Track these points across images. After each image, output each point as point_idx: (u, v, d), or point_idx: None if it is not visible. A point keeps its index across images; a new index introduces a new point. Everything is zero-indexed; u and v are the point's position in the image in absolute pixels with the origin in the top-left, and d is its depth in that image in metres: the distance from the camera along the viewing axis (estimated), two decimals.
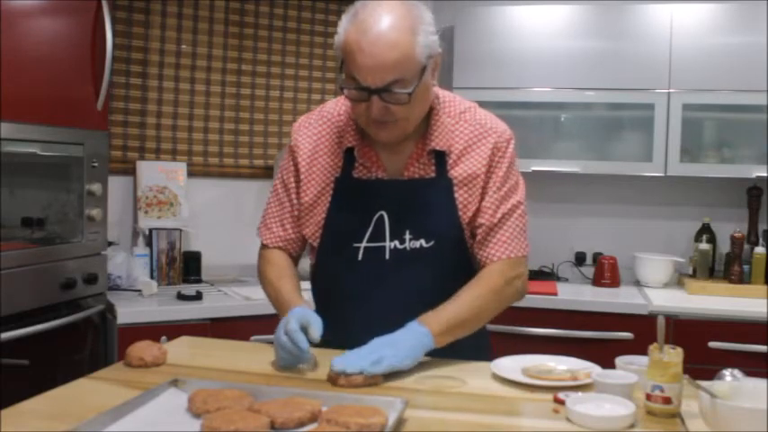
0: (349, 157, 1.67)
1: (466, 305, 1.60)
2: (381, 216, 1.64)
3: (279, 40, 3.49)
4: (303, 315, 1.52)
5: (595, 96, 3.31)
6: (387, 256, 1.64)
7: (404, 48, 1.47)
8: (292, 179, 1.73)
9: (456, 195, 1.65)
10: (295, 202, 1.73)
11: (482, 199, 1.66)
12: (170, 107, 3.30)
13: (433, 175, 1.65)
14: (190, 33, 3.31)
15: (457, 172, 1.65)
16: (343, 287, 1.67)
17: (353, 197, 1.66)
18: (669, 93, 3.19)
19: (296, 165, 1.72)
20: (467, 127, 1.67)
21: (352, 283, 1.66)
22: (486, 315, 1.66)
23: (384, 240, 1.64)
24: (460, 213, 1.65)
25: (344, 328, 1.61)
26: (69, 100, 2.47)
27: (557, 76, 3.28)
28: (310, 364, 1.53)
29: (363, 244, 1.65)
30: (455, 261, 1.68)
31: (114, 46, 2.55)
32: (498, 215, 1.66)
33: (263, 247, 1.79)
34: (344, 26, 1.51)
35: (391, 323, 1.55)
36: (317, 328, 1.50)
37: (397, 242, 1.64)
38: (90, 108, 2.52)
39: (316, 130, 1.72)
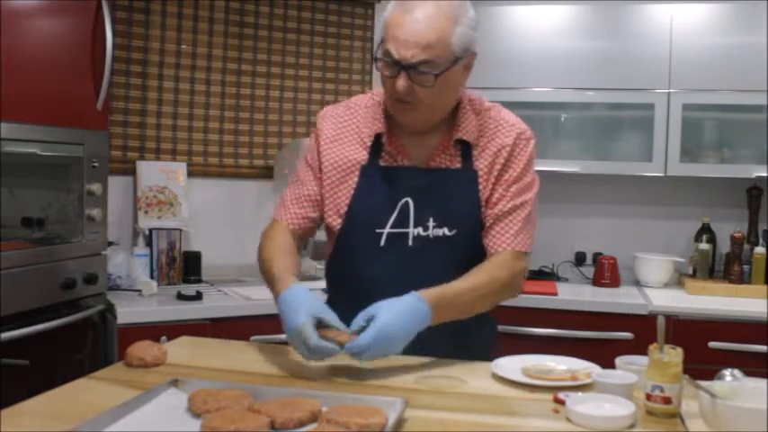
0: (376, 145, 1.70)
1: (467, 289, 1.60)
2: (407, 202, 1.67)
3: (279, 40, 3.49)
4: (313, 312, 1.47)
5: (595, 96, 3.31)
6: (410, 243, 1.66)
7: (441, 32, 1.54)
8: (316, 160, 1.75)
9: (480, 187, 1.69)
10: (314, 183, 1.75)
11: (495, 189, 1.69)
12: (170, 107, 3.30)
13: (458, 165, 1.69)
14: (190, 33, 3.31)
15: (481, 164, 1.70)
16: (364, 272, 1.67)
17: (379, 183, 1.68)
18: (669, 93, 3.20)
19: (318, 148, 1.75)
20: (491, 123, 1.73)
21: (374, 268, 1.66)
22: (484, 305, 1.67)
23: (408, 227, 1.67)
24: (482, 205, 1.69)
25: (355, 309, 1.59)
26: (69, 100, 2.47)
27: (557, 76, 3.28)
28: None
29: (387, 230, 1.66)
30: (474, 251, 1.70)
31: (114, 46, 2.55)
32: (509, 206, 1.69)
33: (272, 223, 1.79)
34: (391, 7, 1.59)
35: None
36: (330, 318, 1.48)
37: (420, 229, 1.67)
38: (90, 108, 2.53)
39: (341, 118, 1.76)
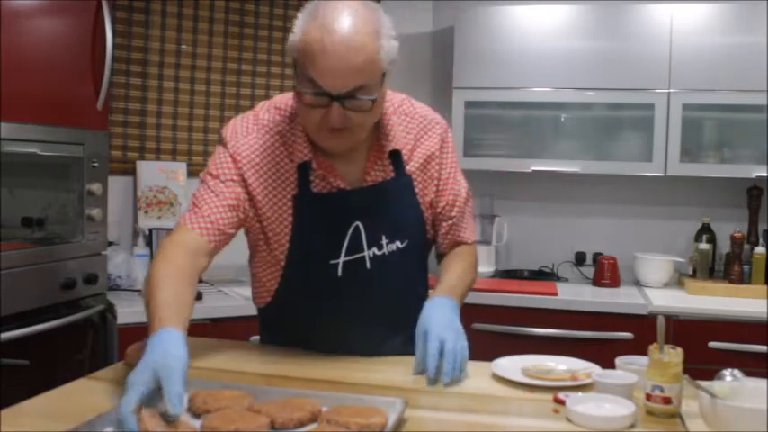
0: (303, 172, 1.56)
1: (462, 273, 1.68)
2: (357, 227, 1.59)
3: (279, 40, 3.49)
4: (161, 371, 1.16)
5: (595, 96, 3.31)
6: (368, 266, 1.61)
7: (369, 52, 1.38)
8: (235, 179, 1.56)
9: (416, 191, 1.65)
10: (232, 196, 1.55)
11: (443, 191, 1.68)
12: (170, 107, 3.30)
13: (392, 175, 1.62)
14: (190, 33, 3.31)
15: (413, 167, 1.64)
16: (322, 303, 1.63)
17: (320, 213, 1.58)
18: (669, 93, 3.19)
19: (241, 175, 1.56)
20: (410, 121, 1.66)
21: (332, 298, 1.62)
22: (470, 287, 1.73)
23: (363, 251, 1.60)
24: (422, 208, 1.67)
25: (319, 337, 1.66)
26: (69, 100, 2.47)
27: (557, 76, 3.28)
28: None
29: (342, 259, 1.59)
30: (421, 255, 1.72)
31: (114, 46, 2.55)
32: (463, 202, 1.72)
33: (179, 229, 1.53)
34: (302, 26, 1.40)
35: (369, 325, 1.64)
36: (175, 395, 1.13)
37: (375, 249, 1.61)
38: (90, 108, 2.52)
39: (259, 142, 1.58)
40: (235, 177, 1.56)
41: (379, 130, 1.59)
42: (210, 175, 1.57)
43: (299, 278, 1.62)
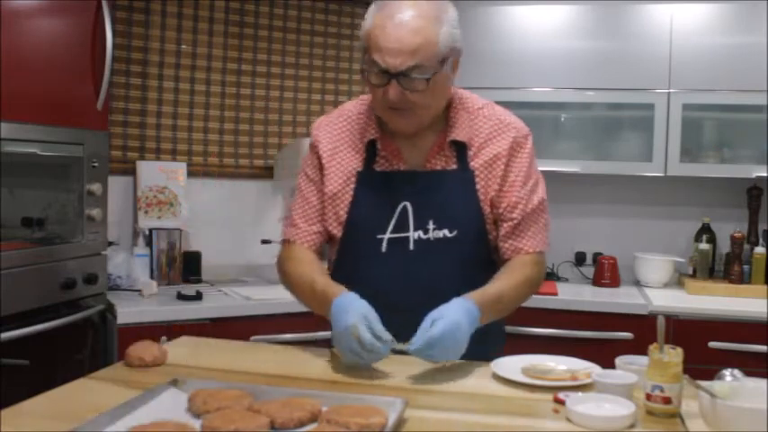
0: (371, 150, 1.70)
1: (506, 289, 1.63)
2: (405, 207, 1.66)
3: (279, 40, 3.49)
4: (364, 313, 1.48)
5: (595, 96, 3.31)
6: (411, 247, 1.66)
7: (426, 35, 1.52)
8: (317, 173, 1.74)
9: (477, 187, 1.68)
10: (318, 196, 1.73)
11: (506, 192, 1.68)
12: (170, 107, 3.30)
13: (454, 166, 1.68)
14: (190, 33, 3.31)
15: (477, 164, 1.69)
16: (367, 279, 1.66)
17: (376, 189, 1.68)
18: (669, 93, 3.20)
19: (318, 158, 1.74)
20: (486, 122, 1.72)
21: (377, 274, 1.66)
22: (518, 303, 1.69)
23: (408, 231, 1.66)
24: (481, 204, 1.68)
25: None
26: (69, 100, 2.47)
27: (557, 76, 3.28)
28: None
29: (387, 235, 1.66)
30: (476, 251, 1.71)
31: (114, 46, 2.55)
32: (528, 209, 1.70)
33: (286, 244, 1.77)
34: (371, 13, 1.59)
35: (413, 313, 1.56)
36: (377, 323, 1.47)
37: (420, 232, 1.66)
38: (90, 108, 2.53)
39: (336, 127, 1.76)
40: (318, 169, 1.74)
41: (446, 122, 1.69)
42: (304, 174, 1.78)
43: (349, 251, 1.72)
